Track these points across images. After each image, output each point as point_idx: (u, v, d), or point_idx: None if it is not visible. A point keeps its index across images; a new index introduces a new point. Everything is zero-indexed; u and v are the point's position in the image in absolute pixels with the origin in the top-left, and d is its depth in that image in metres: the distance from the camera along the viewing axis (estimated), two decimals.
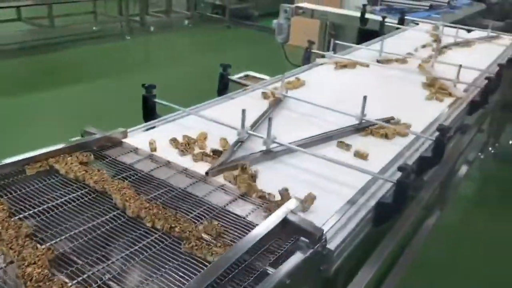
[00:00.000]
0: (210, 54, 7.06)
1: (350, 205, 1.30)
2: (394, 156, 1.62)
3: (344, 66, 2.63)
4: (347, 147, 1.62)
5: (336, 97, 2.19)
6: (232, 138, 1.57)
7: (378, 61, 2.72)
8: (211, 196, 1.23)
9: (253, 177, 1.33)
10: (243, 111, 1.52)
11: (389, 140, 1.75)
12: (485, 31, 3.81)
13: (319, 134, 1.68)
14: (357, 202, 1.32)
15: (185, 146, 1.50)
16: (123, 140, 1.51)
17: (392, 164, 1.56)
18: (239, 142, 1.55)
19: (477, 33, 3.83)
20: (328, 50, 3.30)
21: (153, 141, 1.49)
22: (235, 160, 1.44)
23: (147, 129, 1.69)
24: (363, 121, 1.79)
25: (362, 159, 1.58)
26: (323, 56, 2.74)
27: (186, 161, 1.44)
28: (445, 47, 3.23)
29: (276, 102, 1.97)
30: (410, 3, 5.12)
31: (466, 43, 3.38)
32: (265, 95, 2.06)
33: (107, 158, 1.40)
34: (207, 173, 1.34)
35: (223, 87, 2.14)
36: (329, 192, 1.35)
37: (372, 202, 1.33)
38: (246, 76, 5.58)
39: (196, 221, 1.10)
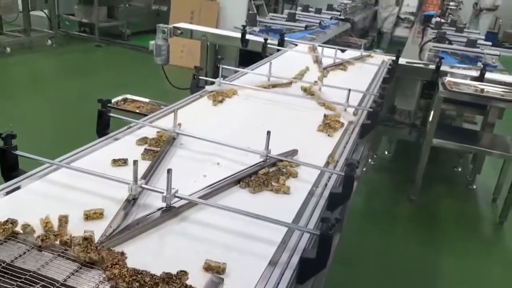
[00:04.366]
0: (80, 77, 6.46)
1: (272, 267, 1.13)
2: (305, 195, 1.50)
3: (233, 93, 2.49)
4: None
5: (233, 128, 2.04)
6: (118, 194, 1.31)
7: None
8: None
9: None
10: (135, 162, 1.26)
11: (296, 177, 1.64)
12: (357, 51, 4.03)
13: (225, 179, 1.49)
14: (279, 261, 1.15)
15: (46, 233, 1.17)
16: None
17: (306, 206, 1.44)
18: (132, 200, 1.29)
19: (350, 53, 4.03)
20: (214, 73, 3.15)
21: (27, 225, 1.13)
22: (130, 225, 1.18)
23: (9, 192, 1.33)
24: (268, 158, 1.65)
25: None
26: (212, 83, 2.57)
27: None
28: (326, 68, 3.31)
29: (169, 142, 1.74)
30: (286, 24, 5.25)
31: (344, 64, 3.50)
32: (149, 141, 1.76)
33: None
34: None
35: (104, 127, 1.83)
36: (247, 253, 1.17)
37: (295, 259, 1.18)
38: (125, 100, 5.14)
39: None
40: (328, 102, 2.45)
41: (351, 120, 2.30)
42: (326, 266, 1.18)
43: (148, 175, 1.44)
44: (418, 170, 3.87)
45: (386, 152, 4.85)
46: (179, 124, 1.90)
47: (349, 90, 2.37)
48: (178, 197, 1.27)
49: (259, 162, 1.64)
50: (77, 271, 0.97)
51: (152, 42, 4.62)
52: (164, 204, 1.26)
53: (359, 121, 2.32)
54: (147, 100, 6.20)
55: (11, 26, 7.53)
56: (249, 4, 8.39)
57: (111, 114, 1.84)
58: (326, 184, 1.61)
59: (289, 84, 2.77)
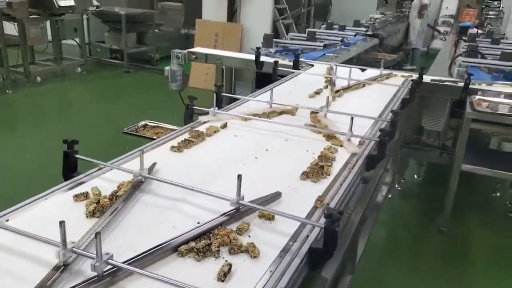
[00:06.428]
0: (104, 104, 6.51)
1: None
2: (277, 253, 1.27)
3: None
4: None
5: (217, 167, 1.84)
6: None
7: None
8: None
9: None
10: (61, 223, 1.08)
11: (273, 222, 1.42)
12: (378, 70, 3.76)
13: (182, 234, 1.29)
14: None
15: None
16: None
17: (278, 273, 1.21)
18: (62, 266, 1.11)
19: (371, 72, 3.77)
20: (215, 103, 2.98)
21: None
22: None
23: None
24: (241, 206, 1.44)
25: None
26: (206, 113, 2.40)
27: None
28: (339, 91, 3.07)
29: (135, 187, 1.56)
30: (304, 43, 5.05)
31: (360, 85, 3.25)
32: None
33: None
34: None
35: (70, 169, 1.68)
36: None
37: None
38: (145, 126, 5.02)
39: None
40: (331, 132, 2.21)
41: (354, 151, 2.05)
42: None
43: (94, 230, 1.26)
44: (448, 197, 3.52)
45: (415, 176, 4.49)
46: (154, 164, 1.73)
47: (352, 117, 2.13)
48: (112, 263, 1.08)
49: (230, 211, 1.44)
50: None
51: (167, 67, 4.57)
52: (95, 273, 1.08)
53: (364, 153, 2.07)
54: (167, 125, 6.09)
55: (44, 55, 7.75)
56: (277, 24, 8.27)
57: (78, 156, 1.69)
58: (307, 236, 1.38)
59: (292, 111, 2.56)
